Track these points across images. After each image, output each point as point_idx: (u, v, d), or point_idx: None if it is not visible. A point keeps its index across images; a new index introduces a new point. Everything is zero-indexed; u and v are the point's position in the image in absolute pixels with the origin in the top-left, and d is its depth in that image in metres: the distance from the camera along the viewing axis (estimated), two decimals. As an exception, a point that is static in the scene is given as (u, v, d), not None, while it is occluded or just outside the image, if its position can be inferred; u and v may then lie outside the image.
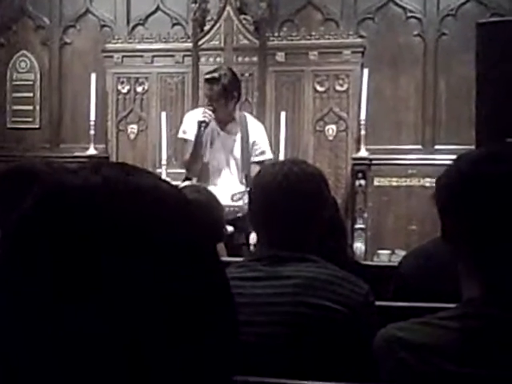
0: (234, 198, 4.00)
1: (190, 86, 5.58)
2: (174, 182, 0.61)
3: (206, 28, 5.59)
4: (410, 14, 5.64)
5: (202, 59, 5.57)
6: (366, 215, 5.24)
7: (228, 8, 5.53)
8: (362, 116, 5.22)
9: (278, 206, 1.63)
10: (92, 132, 5.57)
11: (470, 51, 4.66)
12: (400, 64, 5.63)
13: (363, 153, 5.27)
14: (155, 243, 0.52)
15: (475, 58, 4.35)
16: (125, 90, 5.75)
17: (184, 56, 5.63)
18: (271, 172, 1.68)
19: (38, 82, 6.13)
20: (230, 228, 3.64)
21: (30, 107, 6.11)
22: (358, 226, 5.19)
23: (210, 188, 4.04)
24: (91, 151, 5.55)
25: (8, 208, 1.11)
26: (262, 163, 4.04)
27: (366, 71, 5.29)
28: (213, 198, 2.43)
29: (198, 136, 4.12)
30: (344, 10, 5.69)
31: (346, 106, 5.43)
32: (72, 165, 4.15)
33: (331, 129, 5.46)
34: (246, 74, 5.51)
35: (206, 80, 4.21)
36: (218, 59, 5.54)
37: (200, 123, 4.09)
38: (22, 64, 6.12)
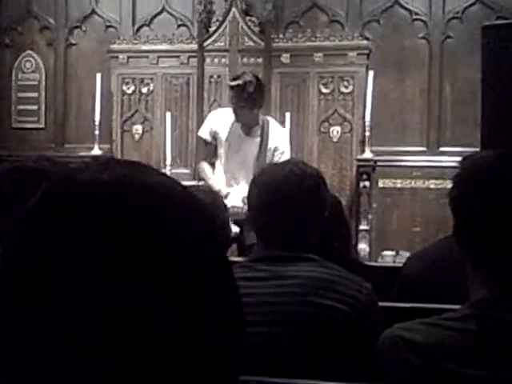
0: (245, 201, 3.99)
1: (195, 87, 5.58)
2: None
3: (212, 29, 5.59)
4: (415, 17, 5.63)
5: (207, 60, 5.57)
6: (370, 216, 5.24)
7: (233, 9, 5.54)
8: (367, 118, 5.22)
9: (277, 206, 1.64)
10: (97, 132, 5.57)
11: (475, 54, 4.65)
12: (405, 66, 5.63)
13: (368, 154, 5.27)
14: (162, 241, 0.52)
15: (481, 60, 4.35)
16: (130, 91, 5.76)
17: (189, 57, 5.63)
18: (271, 173, 1.69)
19: (44, 83, 6.14)
20: (236, 229, 3.65)
21: (35, 107, 6.13)
22: (362, 227, 5.19)
23: (226, 189, 4.08)
24: (96, 151, 5.55)
25: (10, 206, 1.11)
26: None
27: (371, 73, 5.28)
28: (218, 200, 2.43)
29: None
30: (349, 11, 5.69)
31: (350, 108, 5.43)
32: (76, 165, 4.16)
33: (336, 130, 5.46)
34: (251, 76, 5.50)
35: (231, 87, 4.16)
36: (223, 60, 5.55)
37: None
38: (28, 64, 6.13)
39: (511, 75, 4.12)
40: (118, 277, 0.50)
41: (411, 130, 5.63)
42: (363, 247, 5.14)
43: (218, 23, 5.58)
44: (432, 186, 5.31)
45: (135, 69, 5.74)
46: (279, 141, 4.18)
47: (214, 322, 0.53)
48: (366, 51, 5.43)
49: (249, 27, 5.53)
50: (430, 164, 5.38)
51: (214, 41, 5.58)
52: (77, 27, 6.12)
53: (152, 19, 5.95)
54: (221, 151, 4.23)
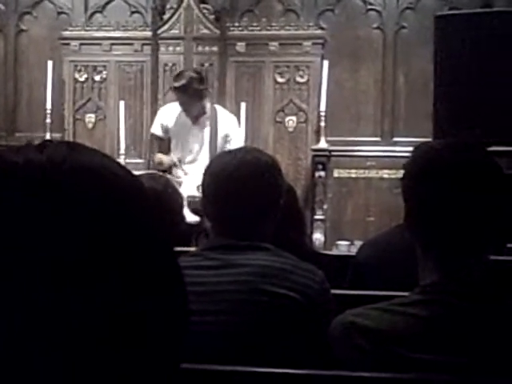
0: (200, 189, 4.03)
1: (149, 75, 5.51)
2: (133, 172, 0.59)
3: (166, 16, 5.53)
4: (369, 7, 5.67)
5: (162, 48, 5.51)
6: (325, 206, 5.27)
7: (188, -4, 5.49)
8: (322, 108, 5.24)
9: (230, 195, 1.62)
10: (48, 121, 5.47)
11: (428, 44, 4.71)
12: (360, 56, 5.66)
13: (323, 144, 5.29)
14: (100, 224, 0.50)
15: (433, 50, 4.40)
16: (82, 79, 5.65)
17: (143, 45, 5.56)
18: (223, 161, 1.66)
19: (-7, 70, 5.99)
20: (195, 217, 3.68)
21: (-15, 95, 5.98)
22: (317, 216, 5.22)
23: (183, 178, 4.18)
24: (48, 140, 5.45)
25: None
26: None
27: (326, 63, 5.30)
28: (170, 186, 2.41)
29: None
30: (305, 1, 5.70)
31: (306, 98, 5.45)
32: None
33: (291, 120, 5.47)
34: (206, 64, 5.47)
35: (176, 88, 4.29)
36: (177, 48, 5.49)
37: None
38: (-24, 51, 5.98)
39: (462, 65, 4.19)
40: (50, 258, 0.48)
41: (365, 121, 5.68)
42: (318, 237, 5.18)
43: (172, 10, 5.51)
44: (386, 176, 5.37)
45: (88, 56, 5.64)
46: (229, 127, 4.30)
47: (156, 310, 0.52)
48: (321, 41, 5.44)
49: (204, 15, 5.49)
50: (384, 154, 5.43)
51: (169, 28, 5.51)
52: (27, 13, 5.98)
53: (105, 6, 5.85)
54: (173, 144, 4.32)
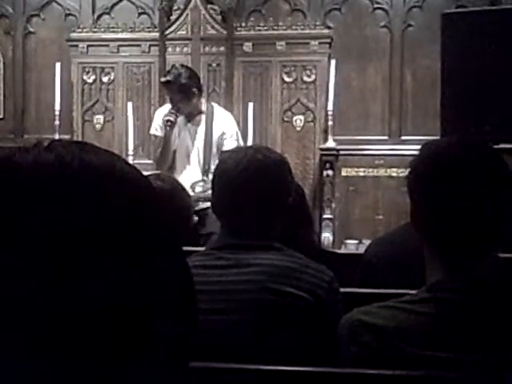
0: (195, 189, 4.03)
1: (157, 76, 5.52)
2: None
3: (173, 17, 5.54)
4: (376, 6, 5.66)
5: (169, 49, 5.52)
6: (333, 205, 5.27)
7: (195, -3, 5.49)
8: (330, 107, 5.24)
9: (240, 193, 1.61)
10: (57, 122, 5.48)
11: (435, 43, 4.70)
12: (367, 55, 5.65)
13: (331, 143, 5.29)
14: (109, 221, 0.50)
15: (440, 48, 4.39)
16: (90, 80, 5.67)
17: (150, 46, 5.57)
18: (234, 159, 1.66)
19: (2, 72, 6.02)
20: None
21: (-6, 97, 6.01)
22: (325, 216, 5.21)
23: (175, 176, 4.10)
24: (56, 142, 5.46)
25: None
26: None
27: (333, 62, 5.30)
28: (178, 187, 2.41)
29: (166, 136, 4.19)
30: (311, 0, 5.69)
31: (313, 97, 5.44)
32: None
33: (299, 119, 5.46)
34: (214, 64, 5.48)
35: (162, 84, 4.26)
36: (185, 49, 5.50)
37: (166, 122, 4.16)
38: (-15, 54, 6.01)
39: (470, 63, 4.17)
40: (62, 255, 0.48)
41: (373, 119, 5.67)
42: (327, 236, 5.17)
43: (179, 11, 5.52)
44: (394, 175, 5.36)
45: (96, 58, 5.66)
46: (225, 125, 4.21)
47: (164, 308, 0.52)
48: (328, 40, 5.44)
49: (210, 15, 5.49)
50: (392, 152, 5.42)
51: (176, 29, 5.52)
52: (35, 15, 6.01)
53: (112, 7, 5.87)
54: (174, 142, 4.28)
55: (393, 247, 1.97)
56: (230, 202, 1.64)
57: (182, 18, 5.52)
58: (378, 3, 5.65)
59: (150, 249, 0.52)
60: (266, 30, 5.50)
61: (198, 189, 3.98)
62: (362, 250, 4.53)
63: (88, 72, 5.67)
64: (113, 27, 5.66)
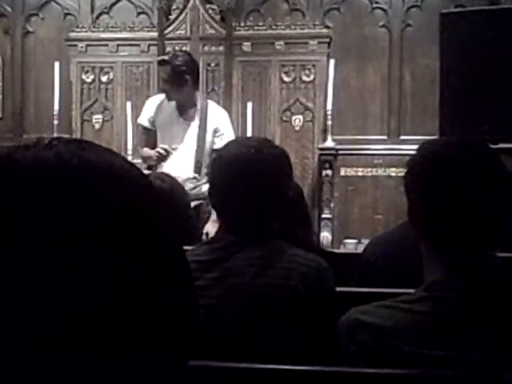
0: (186, 186, 3.97)
1: (156, 76, 5.52)
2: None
3: (172, 17, 5.54)
4: (375, 5, 5.66)
5: (168, 48, 5.51)
6: (332, 205, 5.27)
7: (193, -3, 5.50)
8: (329, 106, 5.24)
9: (239, 189, 1.61)
10: (56, 122, 5.48)
11: (434, 42, 4.70)
12: (366, 55, 5.66)
13: (330, 143, 5.29)
14: (109, 218, 0.50)
15: (439, 48, 4.39)
16: (89, 80, 5.67)
17: (149, 45, 5.58)
18: (233, 154, 1.65)
19: (1, 72, 6.01)
20: None
21: (-8, 97, 6.01)
22: (324, 215, 5.22)
23: (163, 171, 3.99)
24: (55, 141, 5.46)
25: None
26: None
27: (332, 62, 5.30)
28: (177, 186, 2.41)
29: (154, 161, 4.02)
30: (310, 0, 5.69)
31: (312, 97, 5.44)
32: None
33: (298, 119, 5.47)
34: (213, 64, 5.49)
35: (158, 62, 4.13)
36: (183, 49, 5.49)
37: (157, 154, 3.98)
38: (-17, 53, 6.00)
39: (468, 62, 4.17)
40: (59, 253, 0.48)
41: (372, 119, 5.67)
42: (326, 235, 5.18)
43: (178, 11, 5.53)
44: (393, 174, 5.36)
45: (94, 57, 5.66)
46: (219, 122, 4.08)
47: (165, 306, 0.52)
48: (327, 40, 5.44)
49: (209, 15, 5.50)
50: (391, 152, 5.42)
51: (175, 29, 5.53)
52: (34, 15, 6.01)
53: (111, 7, 5.87)
54: (159, 136, 4.12)
55: (391, 246, 1.97)
56: (228, 197, 1.63)
57: (180, 18, 5.52)
58: (376, 3, 5.65)
59: (150, 246, 0.52)
60: (264, 29, 5.51)
61: (189, 185, 3.87)
62: (360, 249, 4.52)
63: (87, 71, 5.67)
64: (112, 27, 5.67)
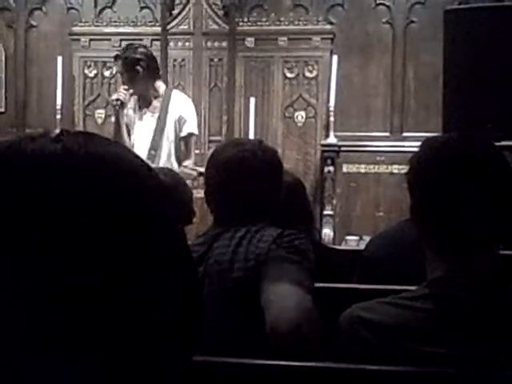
0: None
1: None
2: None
3: (175, 12, 5.53)
4: (379, 1, 5.65)
5: (171, 43, 5.51)
6: (334, 201, 5.27)
7: (197, -8, 5.49)
8: (331, 103, 5.24)
9: (233, 187, 1.65)
10: (58, 116, 5.48)
11: (438, 39, 4.69)
12: (369, 51, 5.65)
13: (332, 139, 5.29)
14: (114, 209, 0.50)
15: (443, 45, 4.38)
16: (92, 74, 5.67)
17: (152, 40, 5.57)
18: (228, 153, 1.69)
19: (3, 66, 6.01)
20: None
21: (-5, 91, 6.01)
22: (326, 212, 5.21)
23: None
24: (58, 136, 5.46)
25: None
26: (187, 138, 3.97)
27: (335, 58, 5.29)
28: (180, 181, 2.42)
29: (116, 117, 4.01)
30: (313, -5, 5.68)
31: (315, 93, 5.44)
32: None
33: (300, 115, 5.46)
34: (216, 59, 5.48)
35: (114, 58, 4.11)
36: (186, 44, 5.50)
37: (115, 101, 3.98)
38: (-14, 47, 6.00)
39: (472, 59, 4.16)
40: (65, 245, 0.48)
41: (375, 116, 5.66)
42: (327, 232, 5.17)
43: (181, 6, 5.52)
44: (395, 171, 5.36)
45: (97, 52, 5.65)
46: (182, 110, 4.02)
47: (167, 301, 0.52)
48: (331, 36, 5.43)
49: (213, 10, 5.49)
50: (394, 149, 5.42)
51: (178, 24, 5.52)
52: (37, 9, 6.00)
53: (114, 1, 5.86)
54: (131, 130, 4.09)
55: (393, 243, 1.97)
56: (222, 195, 1.68)
57: (184, 13, 5.51)
58: (380, -1, 5.64)
59: (154, 234, 0.52)
60: (268, 25, 5.50)
61: None
62: (362, 246, 4.53)
63: (90, 66, 5.67)
64: (115, 21, 5.66)
